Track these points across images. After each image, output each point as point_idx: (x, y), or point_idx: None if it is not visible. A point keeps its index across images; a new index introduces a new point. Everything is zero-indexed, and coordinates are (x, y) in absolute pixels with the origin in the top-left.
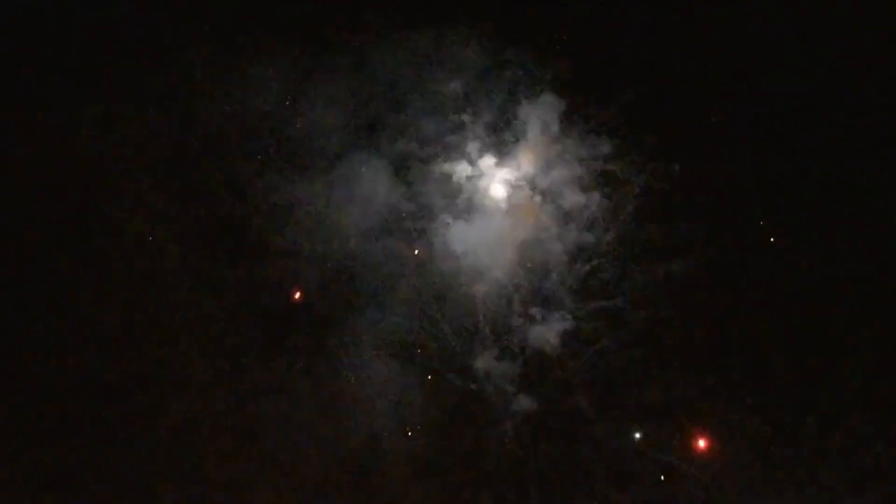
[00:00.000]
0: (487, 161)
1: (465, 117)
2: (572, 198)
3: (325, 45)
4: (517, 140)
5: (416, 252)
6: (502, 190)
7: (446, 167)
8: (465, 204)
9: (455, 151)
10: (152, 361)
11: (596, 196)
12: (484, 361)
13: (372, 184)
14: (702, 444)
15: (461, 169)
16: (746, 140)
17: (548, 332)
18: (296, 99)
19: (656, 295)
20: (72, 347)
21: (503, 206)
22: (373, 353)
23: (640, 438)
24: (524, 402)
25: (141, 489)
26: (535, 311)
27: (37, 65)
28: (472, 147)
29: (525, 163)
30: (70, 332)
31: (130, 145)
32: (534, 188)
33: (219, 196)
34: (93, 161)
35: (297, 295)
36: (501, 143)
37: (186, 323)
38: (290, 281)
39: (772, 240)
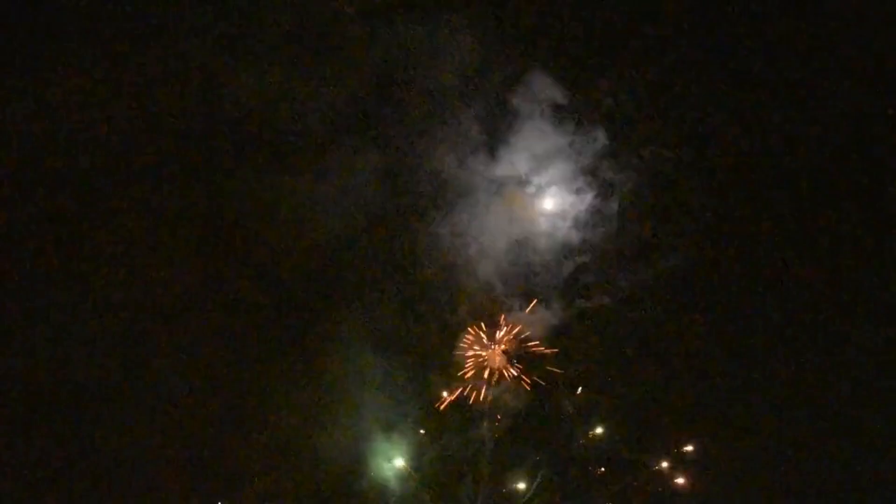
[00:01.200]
0: (477, 157)
1: (456, 112)
2: (562, 195)
3: (315, 38)
4: (508, 137)
5: (403, 247)
6: (491, 186)
7: (436, 162)
8: (454, 199)
9: (445, 147)
10: (135, 359)
11: (586, 194)
12: (468, 357)
13: (360, 178)
14: (689, 446)
15: (451, 165)
16: (737, 140)
17: (534, 330)
18: (284, 92)
19: (645, 294)
20: (55, 345)
21: (492, 202)
22: (357, 347)
23: (624, 440)
24: (509, 401)
25: (128, 484)
26: (522, 308)
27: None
28: (462, 142)
29: (516, 160)
30: (55, 331)
31: (116, 140)
32: (524, 185)
33: (204, 190)
34: (79, 155)
35: (282, 290)
36: (492, 139)
37: (171, 317)
38: (276, 275)
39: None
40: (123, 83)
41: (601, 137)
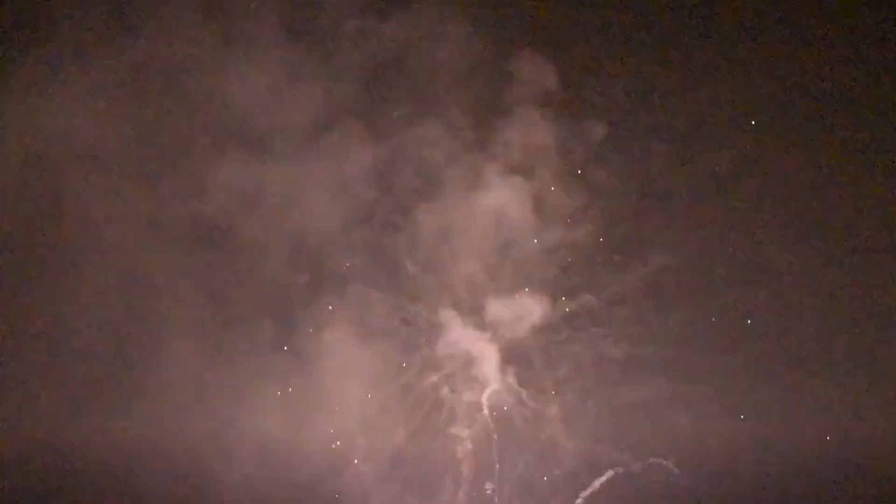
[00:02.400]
0: (470, 153)
1: (448, 106)
2: (555, 193)
3: (306, 33)
4: (500, 134)
5: (392, 241)
6: (483, 181)
7: (426, 157)
8: (446, 194)
9: (437, 142)
10: (120, 354)
11: (577, 191)
12: (455, 354)
13: (351, 172)
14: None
15: (443, 161)
16: (727, 140)
17: (522, 327)
18: (273, 87)
19: (633, 292)
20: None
21: (484, 198)
22: (343, 341)
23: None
24: (494, 400)
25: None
26: (512, 304)
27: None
28: (456, 139)
29: (507, 156)
30: (41, 324)
31: (100, 134)
32: (515, 182)
33: (192, 185)
34: (62, 151)
35: (268, 283)
36: (485, 135)
37: (155, 311)
38: (264, 270)
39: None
40: (106, 76)
41: (594, 134)
